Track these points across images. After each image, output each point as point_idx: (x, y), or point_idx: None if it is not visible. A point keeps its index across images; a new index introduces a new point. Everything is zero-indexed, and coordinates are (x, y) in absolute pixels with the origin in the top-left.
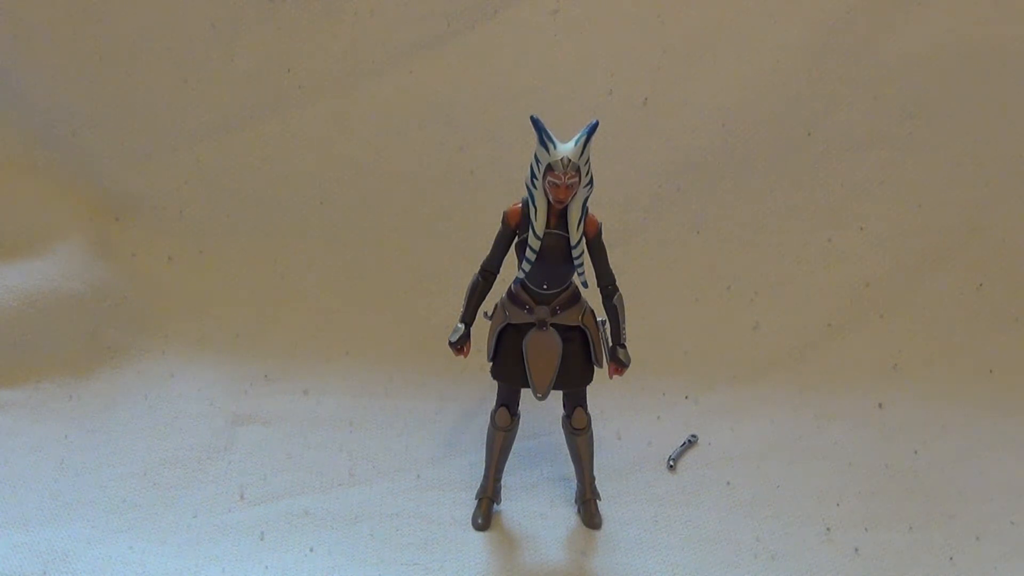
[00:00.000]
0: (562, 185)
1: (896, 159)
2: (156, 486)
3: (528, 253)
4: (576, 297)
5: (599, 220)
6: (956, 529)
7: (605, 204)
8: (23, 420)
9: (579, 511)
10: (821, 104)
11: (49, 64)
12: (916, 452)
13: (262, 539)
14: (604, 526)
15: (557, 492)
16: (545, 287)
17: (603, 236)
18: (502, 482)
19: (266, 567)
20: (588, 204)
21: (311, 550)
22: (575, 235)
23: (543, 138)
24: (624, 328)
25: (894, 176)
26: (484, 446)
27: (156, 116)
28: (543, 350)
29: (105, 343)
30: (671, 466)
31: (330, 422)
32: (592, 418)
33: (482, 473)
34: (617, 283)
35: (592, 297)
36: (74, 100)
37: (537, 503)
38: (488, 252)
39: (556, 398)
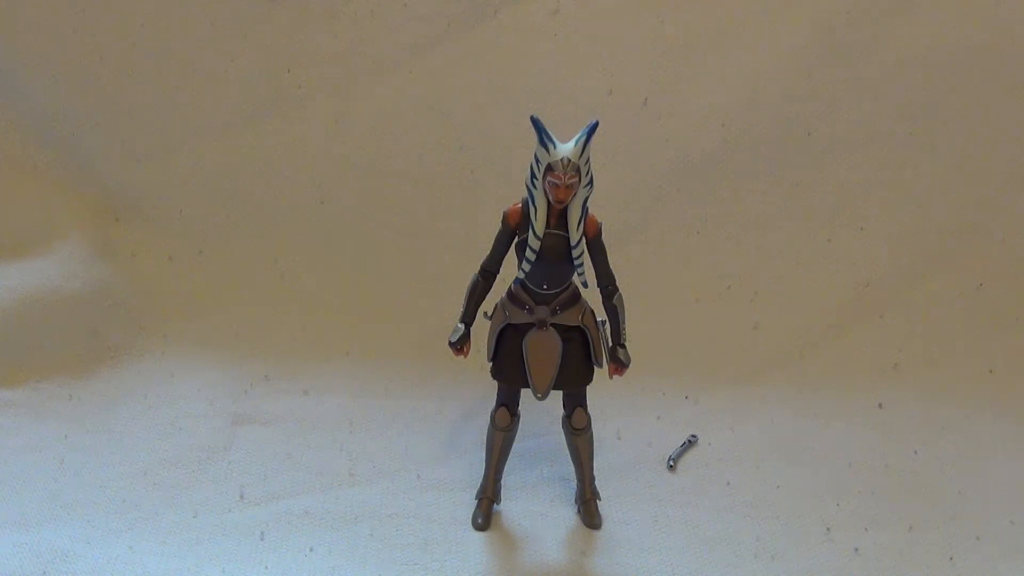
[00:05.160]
0: (562, 185)
1: (896, 159)
2: (156, 486)
3: (528, 253)
4: (576, 297)
5: (599, 220)
6: (956, 529)
7: (605, 204)
8: (23, 420)
9: (579, 511)
10: (821, 104)
11: (49, 64)
12: (916, 452)
13: (262, 539)
14: (604, 526)
15: (557, 492)
16: (545, 287)
17: (603, 236)
18: (502, 482)
19: (266, 567)
20: (588, 204)
21: (311, 550)
22: (575, 235)
23: (543, 138)
24: (624, 328)
25: (894, 176)
26: (484, 446)
27: (156, 116)
28: (543, 350)
29: (105, 343)
30: (671, 466)
31: (330, 422)
32: (592, 418)
33: (482, 473)
34: (617, 283)
35: (592, 297)
36: (74, 100)
37: (537, 503)
38: (488, 252)
39: (556, 398)
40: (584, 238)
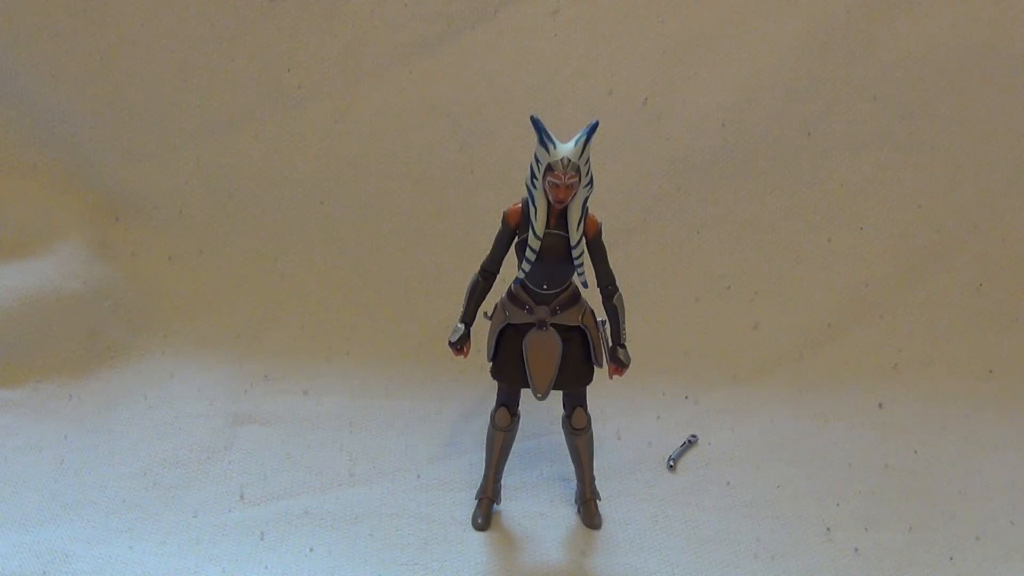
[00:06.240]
0: (562, 185)
1: (896, 159)
2: (156, 486)
3: (528, 253)
4: (576, 297)
5: (599, 220)
6: (956, 529)
7: (605, 204)
8: (23, 420)
9: (579, 511)
10: (821, 104)
11: (49, 64)
12: (916, 452)
13: (262, 539)
14: (604, 526)
15: (557, 492)
16: (545, 287)
17: (603, 236)
18: (502, 482)
19: (266, 567)
20: (588, 204)
21: (311, 550)
22: (575, 235)
23: (543, 138)
24: (624, 328)
25: (894, 176)
26: (484, 446)
27: (156, 116)
28: (543, 350)
29: (105, 343)
30: (671, 466)
31: (330, 422)
32: (592, 418)
33: (482, 473)
34: (617, 283)
35: (592, 297)
36: (74, 100)
37: (537, 503)
38: (488, 252)
39: (556, 398)
40: (584, 238)
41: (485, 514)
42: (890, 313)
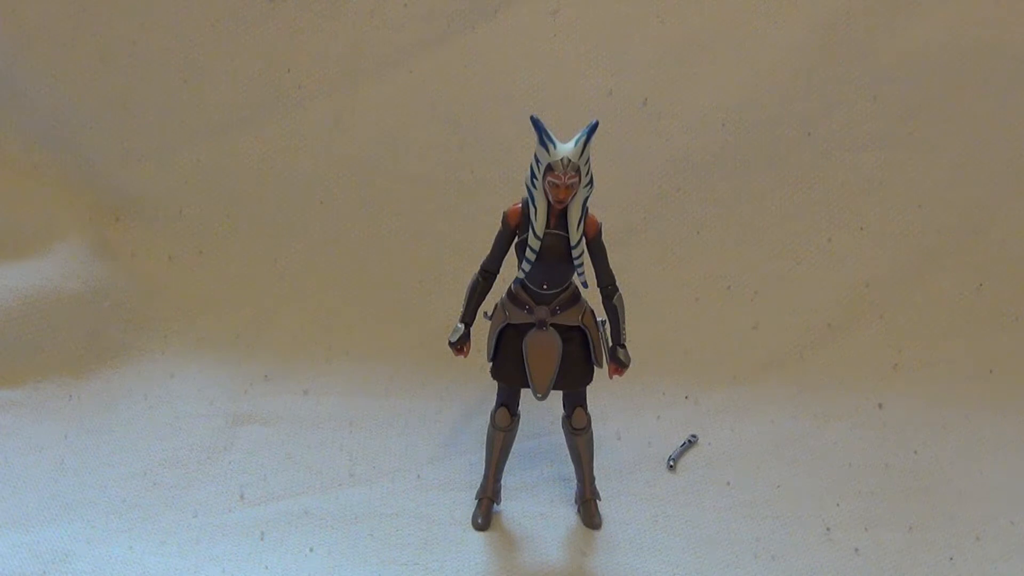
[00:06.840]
0: (562, 185)
1: (896, 159)
2: (156, 486)
3: (528, 253)
4: (576, 297)
5: (599, 220)
6: (956, 529)
7: (605, 204)
8: (23, 420)
9: (579, 511)
10: (821, 104)
11: (49, 64)
12: (916, 452)
13: (262, 539)
14: (604, 526)
15: (557, 492)
16: (545, 287)
17: (603, 236)
18: (502, 482)
19: (266, 567)
20: (588, 204)
21: (311, 550)
22: (575, 235)
23: (543, 138)
24: (624, 328)
25: (894, 176)
26: (484, 446)
27: (156, 116)
28: (543, 350)
29: (105, 343)
30: (671, 466)
31: (330, 422)
32: (592, 418)
33: (482, 473)
34: (617, 283)
35: (592, 297)
36: (74, 100)
37: (537, 503)
38: (488, 252)
39: (556, 398)
40: (584, 238)
41: (485, 514)
42: (890, 313)
